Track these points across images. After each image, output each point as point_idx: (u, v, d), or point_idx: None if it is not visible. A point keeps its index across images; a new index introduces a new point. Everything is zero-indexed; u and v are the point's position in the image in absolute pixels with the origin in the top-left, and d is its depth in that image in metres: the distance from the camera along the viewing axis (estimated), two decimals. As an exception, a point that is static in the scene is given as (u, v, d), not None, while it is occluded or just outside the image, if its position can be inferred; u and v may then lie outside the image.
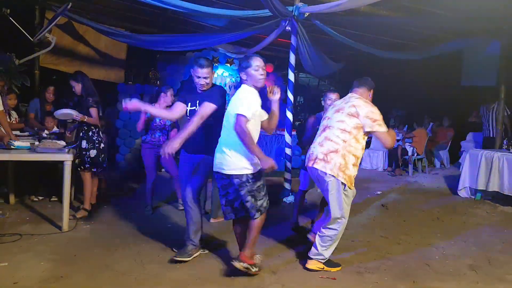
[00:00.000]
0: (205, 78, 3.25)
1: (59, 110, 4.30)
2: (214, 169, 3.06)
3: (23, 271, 3.02)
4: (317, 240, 3.22)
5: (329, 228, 3.16)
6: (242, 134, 2.78)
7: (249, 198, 2.94)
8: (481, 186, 5.71)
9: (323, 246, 3.19)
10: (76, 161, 4.33)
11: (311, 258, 3.24)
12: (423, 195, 6.29)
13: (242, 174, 2.92)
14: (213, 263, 3.33)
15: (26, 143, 4.02)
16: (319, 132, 3.35)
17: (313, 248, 3.25)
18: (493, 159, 5.58)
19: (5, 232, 3.78)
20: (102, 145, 4.49)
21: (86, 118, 4.24)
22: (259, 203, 2.98)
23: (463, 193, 6.03)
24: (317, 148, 3.22)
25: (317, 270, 3.20)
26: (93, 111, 4.28)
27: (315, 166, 3.16)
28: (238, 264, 2.99)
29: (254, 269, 3.04)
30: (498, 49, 6.37)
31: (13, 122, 5.03)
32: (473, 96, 7.73)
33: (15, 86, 5.33)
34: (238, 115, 2.81)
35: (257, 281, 3.01)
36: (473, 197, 5.95)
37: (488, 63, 6.46)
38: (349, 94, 3.39)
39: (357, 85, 3.40)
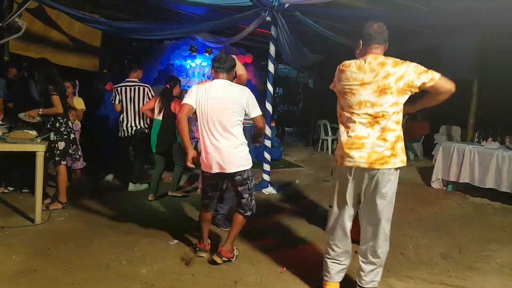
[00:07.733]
0: None
1: None
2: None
3: (-7, 265, 2.92)
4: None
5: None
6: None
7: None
8: (452, 178, 5.90)
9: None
10: (47, 154, 4.15)
11: None
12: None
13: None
14: (190, 254, 3.32)
15: (-2, 132, 3.87)
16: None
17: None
18: (464, 151, 5.76)
19: (-27, 225, 3.64)
20: (72, 135, 4.35)
21: None
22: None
23: (435, 184, 6.20)
24: None
25: None
26: (54, 98, 4.08)
27: None
28: (218, 259, 3.06)
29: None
30: (475, 43, 6.51)
31: None
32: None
33: None
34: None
35: (235, 271, 3.02)
36: (445, 188, 6.13)
37: (466, 57, 6.59)
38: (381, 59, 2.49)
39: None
